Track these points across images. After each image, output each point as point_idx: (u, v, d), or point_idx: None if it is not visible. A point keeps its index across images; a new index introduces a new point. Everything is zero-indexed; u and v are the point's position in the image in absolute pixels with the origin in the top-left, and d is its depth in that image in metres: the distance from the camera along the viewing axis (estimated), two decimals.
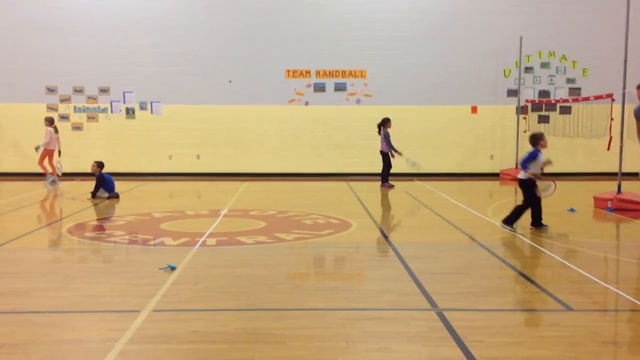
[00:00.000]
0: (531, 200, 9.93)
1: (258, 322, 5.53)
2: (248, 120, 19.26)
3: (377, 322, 5.52)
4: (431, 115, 19.30)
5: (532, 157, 9.81)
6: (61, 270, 7.81)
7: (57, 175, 16.53)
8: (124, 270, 7.66)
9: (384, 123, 16.37)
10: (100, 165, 14.18)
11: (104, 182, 13.88)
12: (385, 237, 9.81)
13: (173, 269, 7.30)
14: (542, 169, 9.89)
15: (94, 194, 13.75)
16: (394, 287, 6.69)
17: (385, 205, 14.08)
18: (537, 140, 9.95)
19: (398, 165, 16.51)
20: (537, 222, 10.06)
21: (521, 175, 9.96)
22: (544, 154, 9.97)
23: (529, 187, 9.90)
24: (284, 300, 6.24)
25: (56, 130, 16.62)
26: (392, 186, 16.22)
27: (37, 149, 16.35)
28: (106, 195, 13.72)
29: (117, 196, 13.82)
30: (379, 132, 16.39)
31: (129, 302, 6.11)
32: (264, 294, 6.45)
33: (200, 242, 8.99)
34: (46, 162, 16.60)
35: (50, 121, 16.66)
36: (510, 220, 9.95)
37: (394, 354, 4.81)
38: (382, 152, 16.36)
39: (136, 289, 6.61)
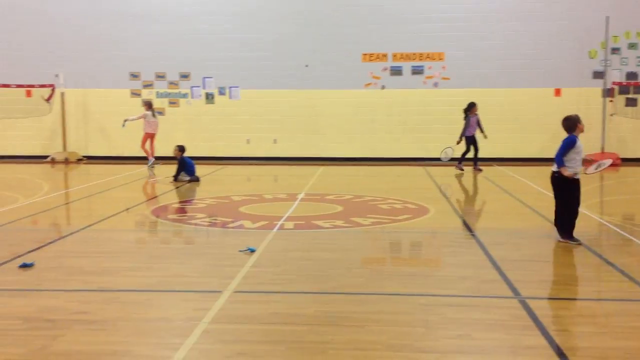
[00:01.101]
0: (569, 200, 7.94)
1: (336, 306, 5.56)
2: (324, 105, 19.30)
3: (457, 309, 5.46)
4: (512, 98, 18.80)
5: (570, 145, 7.80)
6: (146, 250, 8.08)
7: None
8: (205, 252, 7.85)
9: (470, 108, 16.11)
10: (181, 149, 14.55)
11: (185, 166, 14.23)
12: (464, 222, 9.66)
13: (252, 251, 7.43)
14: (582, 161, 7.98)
15: (175, 177, 14.12)
16: (474, 273, 6.59)
17: (464, 190, 13.86)
18: (575, 124, 7.91)
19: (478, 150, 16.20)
20: (567, 230, 7.97)
21: (556, 169, 7.96)
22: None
23: (565, 184, 7.91)
24: (362, 284, 6.25)
25: (154, 114, 17.07)
26: (462, 170, 16.06)
27: (124, 122, 16.84)
28: (187, 178, 14.07)
29: (197, 180, 14.14)
30: (465, 118, 16.10)
31: (211, 282, 6.26)
32: (342, 277, 6.48)
33: (278, 226, 9.10)
34: (147, 145, 17.08)
35: (147, 104, 17.16)
36: (566, 233, 7.98)
37: (475, 342, 4.74)
38: (468, 137, 16.11)
39: (217, 270, 6.76)
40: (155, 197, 12.56)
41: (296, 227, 9.08)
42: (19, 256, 7.19)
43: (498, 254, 7.41)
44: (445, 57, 18.96)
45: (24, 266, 6.72)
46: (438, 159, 16.80)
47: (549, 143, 18.39)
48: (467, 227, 9.25)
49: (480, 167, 16.22)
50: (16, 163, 18.35)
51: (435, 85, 19.08)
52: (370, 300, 5.75)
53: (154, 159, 17.04)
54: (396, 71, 19.08)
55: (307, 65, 19.10)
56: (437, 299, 5.75)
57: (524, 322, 5.10)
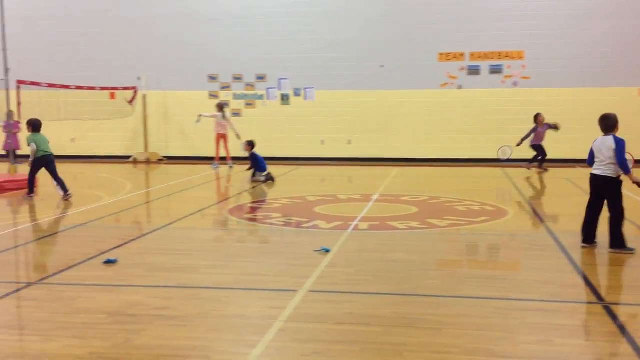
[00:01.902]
0: (620, 206, 7.41)
1: (412, 308, 5.51)
2: (399, 105, 19.17)
3: (537, 314, 5.31)
4: (594, 97, 18.15)
5: (624, 145, 7.35)
6: (223, 249, 8.23)
7: (223, 160, 17.32)
8: (280, 252, 7.93)
9: (535, 118, 15.86)
10: (250, 143, 14.77)
11: (256, 161, 14.40)
12: (545, 225, 9.39)
13: (327, 251, 7.45)
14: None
15: (254, 174, 14.31)
16: (555, 277, 6.40)
17: (544, 192, 13.49)
18: (616, 123, 7.53)
19: (560, 151, 15.76)
20: (620, 239, 7.37)
21: (608, 172, 7.43)
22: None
23: (618, 189, 7.43)
24: (437, 286, 6.17)
25: (224, 116, 17.42)
26: (544, 170, 15.72)
27: (199, 117, 17.29)
28: (263, 178, 14.23)
29: (272, 180, 14.29)
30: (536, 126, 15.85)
31: (286, 281, 6.31)
32: (417, 279, 6.42)
33: (352, 226, 9.09)
34: (221, 146, 17.42)
35: (219, 106, 17.56)
36: (618, 242, 7.38)
37: (556, 347, 4.60)
38: (534, 146, 15.89)
39: (292, 269, 6.81)
40: (232, 197, 12.78)
41: (371, 228, 9.06)
42: (103, 252, 7.45)
43: (580, 257, 7.17)
44: (525, 55, 18.51)
45: (108, 262, 6.97)
46: (518, 160, 16.40)
47: (633, 144, 17.70)
48: (547, 229, 8.99)
49: (546, 168, 15.97)
50: (101, 163, 19.06)
51: (515, 84, 18.65)
52: (446, 303, 5.67)
53: (217, 164, 17.34)
54: (474, 70, 18.75)
55: (382, 66, 19.03)
56: (517, 303, 5.61)
57: (609, 329, 4.91)
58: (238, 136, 17.16)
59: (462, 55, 18.77)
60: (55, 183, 11.91)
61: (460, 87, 18.88)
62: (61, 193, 11.73)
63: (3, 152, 16.90)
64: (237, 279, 6.41)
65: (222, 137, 17.47)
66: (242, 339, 4.79)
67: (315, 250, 7.48)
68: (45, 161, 11.91)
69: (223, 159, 17.54)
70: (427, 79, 18.88)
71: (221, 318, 5.25)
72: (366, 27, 19.09)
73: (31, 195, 11.91)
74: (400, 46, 18.95)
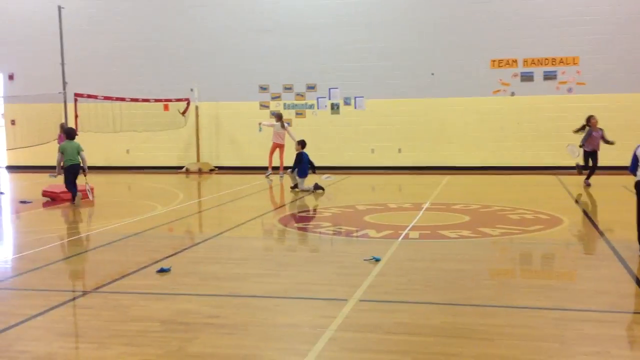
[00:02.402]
0: None
1: (464, 318, 5.42)
2: (450, 113, 18.99)
3: (595, 324, 5.16)
4: None
5: None
6: (274, 258, 8.27)
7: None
8: (330, 260, 7.93)
9: (587, 121, 14.98)
10: (301, 143, 14.83)
11: (300, 162, 14.43)
12: (601, 234, 9.14)
13: (377, 260, 7.40)
14: None
15: (292, 169, 14.46)
16: (613, 287, 6.21)
17: (600, 200, 13.13)
18: None
19: (616, 158, 15.30)
20: None
21: None
22: None
23: None
24: (491, 296, 6.07)
25: (282, 126, 17.47)
26: (587, 185, 14.91)
27: (260, 125, 17.51)
28: (311, 188, 14.21)
29: (322, 189, 14.28)
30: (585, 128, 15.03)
31: (337, 290, 6.30)
32: (470, 289, 6.32)
33: (403, 235, 9.03)
34: (276, 155, 17.50)
35: (277, 116, 17.65)
36: None
37: (614, 359, 4.46)
38: (587, 152, 14.94)
39: (343, 278, 6.80)
40: (283, 205, 12.86)
41: (421, 237, 8.97)
42: (156, 261, 7.58)
43: (638, 267, 6.94)
44: (580, 61, 18.11)
45: (162, 271, 7.08)
46: (572, 168, 16.00)
47: None
48: (604, 238, 8.74)
49: (590, 182, 15.03)
50: (154, 173, 19.43)
51: (570, 90, 18.26)
52: (500, 313, 5.57)
53: (271, 171, 17.41)
54: (527, 77, 18.45)
55: (433, 74, 18.89)
56: (573, 314, 5.46)
57: None
58: (260, 125, 17.42)
59: (514, 61, 18.49)
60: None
61: (513, 94, 18.58)
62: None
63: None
64: (287, 288, 6.43)
65: (278, 146, 17.50)
66: (292, 348, 4.80)
67: (366, 259, 7.45)
68: (73, 170, 12.44)
69: (275, 168, 17.60)
70: (478, 86, 18.65)
71: (272, 327, 5.27)
72: (417, 35, 18.99)
73: (73, 202, 12.40)
74: (451, 53, 18.78)
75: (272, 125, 17.47)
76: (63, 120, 14.54)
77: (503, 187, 15.41)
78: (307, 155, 14.70)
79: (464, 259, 7.68)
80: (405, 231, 9.31)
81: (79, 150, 12.64)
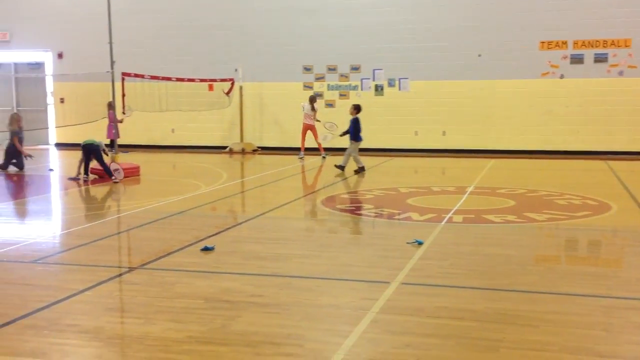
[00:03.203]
0: None
1: (508, 303, 5.36)
2: (497, 95, 18.66)
3: None
4: None
5: None
6: (316, 239, 8.30)
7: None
8: (372, 243, 7.92)
9: None
10: (357, 107, 14.68)
11: (356, 128, 14.28)
12: None
13: (420, 244, 7.36)
14: None
15: (345, 133, 14.35)
16: None
17: None
18: None
19: None
20: None
21: None
22: None
23: None
24: (535, 282, 5.98)
25: (313, 108, 17.49)
26: None
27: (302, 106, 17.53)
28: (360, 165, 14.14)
29: (363, 170, 14.17)
30: None
31: (379, 273, 6.29)
32: (514, 274, 6.24)
33: (446, 219, 8.95)
34: (310, 137, 17.48)
35: (310, 99, 17.61)
36: None
37: None
38: None
39: (385, 261, 6.78)
40: (325, 187, 12.86)
41: (465, 221, 8.88)
42: (200, 240, 7.67)
43: None
44: (632, 43, 17.58)
45: (206, 250, 7.16)
46: (622, 153, 15.59)
47: None
48: None
49: None
50: (199, 153, 19.63)
51: (621, 74, 17.76)
52: (544, 299, 5.48)
53: (303, 153, 17.38)
54: (577, 59, 17.99)
55: (480, 55, 18.57)
56: (620, 302, 5.35)
57: None
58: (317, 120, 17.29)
59: (564, 43, 18.04)
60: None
61: (562, 77, 18.17)
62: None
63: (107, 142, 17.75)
64: (329, 269, 6.45)
65: (309, 128, 17.49)
66: (334, 329, 4.81)
67: (408, 242, 7.41)
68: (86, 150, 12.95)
69: (311, 150, 17.53)
70: (526, 68, 18.27)
71: (314, 307, 5.29)
72: (463, 15, 18.67)
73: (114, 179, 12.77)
74: (498, 34, 18.42)
75: (306, 111, 17.42)
76: (110, 99, 14.76)
77: (550, 171, 15.12)
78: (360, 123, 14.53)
79: (508, 244, 7.58)
80: (449, 215, 9.22)
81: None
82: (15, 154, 14.66)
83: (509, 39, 18.32)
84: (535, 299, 5.49)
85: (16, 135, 14.66)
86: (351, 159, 14.28)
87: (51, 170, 14.97)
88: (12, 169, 14.68)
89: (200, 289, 5.78)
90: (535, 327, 4.77)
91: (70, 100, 20.93)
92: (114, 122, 14.65)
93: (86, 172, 13.01)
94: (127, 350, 4.45)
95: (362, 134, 14.59)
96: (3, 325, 4.85)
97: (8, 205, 10.93)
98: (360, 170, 14.17)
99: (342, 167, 14.20)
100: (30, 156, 14.67)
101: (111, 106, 14.88)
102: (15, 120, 14.92)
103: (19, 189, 13.29)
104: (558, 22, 17.96)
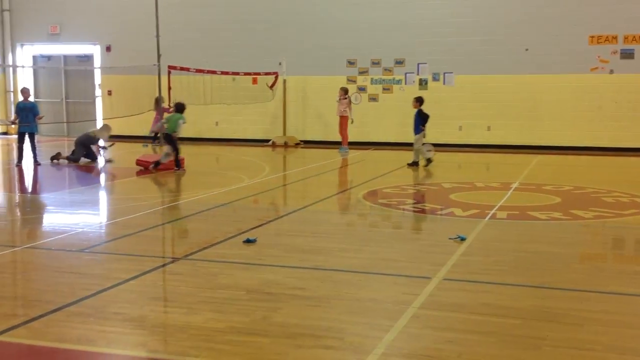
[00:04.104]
0: None
1: (553, 301, 5.27)
2: (544, 90, 18.32)
3: None
4: None
5: None
6: (357, 233, 8.29)
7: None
8: (414, 238, 7.89)
9: None
10: (419, 100, 14.58)
11: (425, 116, 14.21)
12: None
13: (463, 239, 7.28)
14: None
15: (418, 129, 14.22)
16: None
17: None
18: None
19: None
20: None
21: None
22: None
23: None
24: (581, 280, 5.87)
25: (349, 100, 17.48)
26: None
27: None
28: (430, 154, 14.12)
29: (416, 165, 14.02)
30: None
31: (420, 268, 6.25)
32: (560, 272, 6.13)
33: (490, 215, 8.84)
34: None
35: (344, 90, 17.63)
36: None
37: None
38: None
39: (427, 256, 6.74)
40: (366, 181, 12.82)
41: (509, 217, 8.76)
42: (242, 232, 7.74)
43: None
44: None
45: (248, 242, 7.22)
46: None
47: None
48: None
49: None
50: (242, 146, 19.77)
51: None
52: (590, 298, 5.38)
53: (347, 148, 17.35)
54: (627, 54, 17.53)
55: (527, 49, 18.25)
56: None
57: None
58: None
59: (614, 37, 17.60)
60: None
61: (611, 72, 17.73)
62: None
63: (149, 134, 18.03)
64: (370, 263, 6.44)
65: (345, 120, 17.52)
66: (375, 323, 4.80)
67: (451, 238, 7.35)
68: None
69: (353, 144, 17.52)
70: (575, 63, 17.88)
71: (355, 301, 5.29)
72: (510, 9, 18.36)
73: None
74: (547, 28, 18.06)
75: (345, 98, 17.50)
76: (157, 92, 14.97)
77: (598, 168, 14.81)
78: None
79: (553, 242, 7.45)
80: (493, 211, 9.11)
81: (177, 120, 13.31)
82: (89, 149, 14.79)
83: (558, 33, 17.96)
84: (581, 298, 5.39)
85: (96, 142, 14.84)
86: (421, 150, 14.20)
87: (110, 161, 15.00)
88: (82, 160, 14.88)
89: (243, 280, 5.83)
90: (580, 326, 4.68)
91: (118, 92, 21.31)
92: (160, 116, 14.87)
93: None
94: (170, 339, 4.53)
95: (406, 129, 14.52)
96: (51, 312, 4.98)
97: (59, 195, 11.20)
98: (413, 164, 14.08)
99: (416, 163, 14.07)
100: (109, 161, 14.90)
101: (158, 102, 15.10)
102: (106, 130, 15.13)
103: (71, 179, 13.62)
104: (608, 17, 17.53)
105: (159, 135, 14.77)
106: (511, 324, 4.75)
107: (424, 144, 14.27)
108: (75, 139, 15.39)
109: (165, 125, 13.42)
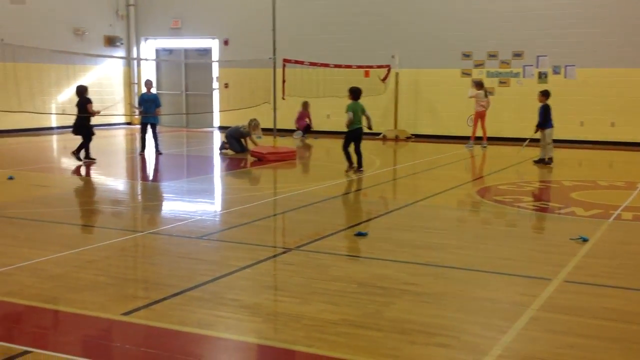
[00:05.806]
0: None
1: None
2: None
3: None
4: None
5: None
6: (471, 230, 8.08)
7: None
8: (532, 237, 7.61)
9: None
10: (545, 93, 13.97)
11: (548, 113, 13.67)
12: None
13: (585, 240, 6.95)
14: None
15: (541, 125, 13.66)
16: None
17: None
18: None
19: None
20: None
21: None
22: None
23: None
24: None
25: (485, 94, 16.91)
26: None
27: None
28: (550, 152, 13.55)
29: (543, 162, 13.48)
30: None
31: (539, 269, 6.01)
32: None
33: (614, 216, 8.38)
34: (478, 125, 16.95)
35: (479, 84, 17.03)
36: None
37: None
38: None
39: (546, 256, 6.48)
40: (481, 177, 12.51)
41: (635, 219, 8.28)
42: (353, 225, 7.75)
43: None
44: None
45: (359, 235, 7.22)
46: None
47: None
48: None
49: None
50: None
51: None
52: None
53: (472, 143, 16.80)
54: None
55: None
56: None
57: None
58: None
59: None
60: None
61: None
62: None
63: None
64: (486, 262, 6.26)
65: (479, 115, 16.92)
66: (491, 323, 4.66)
67: (572, 239, 7.02)
68: (355, 134, 12.34)
69: (479, 138, 17.06)
70: None
71: (470, 300, 5.16)
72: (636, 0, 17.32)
73: (354, 167, 12.16)
74: None
75: (475, 96, 16.86)
76: (272, 85, 15.20)
77: None
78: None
79: None
80: (617, 211, 8.63)
81: (363, 110, 12.83)
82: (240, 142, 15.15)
83: None
84: None
85: (247, 136, 15.09)
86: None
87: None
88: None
89: (355, 273, 5.83)
90: None
91: (234, 85, 21.91)
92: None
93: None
94: (284, 328, 4.59)
95: (524, 124, 14.01)
96: (173, 296, 5.18)
97: (178, 184, 11.66)
98: (540, 162, 13.56)
99: (543, 160, 13.57)
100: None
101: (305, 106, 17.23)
102: (253, 126, 15.30)
103: (190, 168, 14.17)
104: None
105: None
106: (637, 331, 4.49)
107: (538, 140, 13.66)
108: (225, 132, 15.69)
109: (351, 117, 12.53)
